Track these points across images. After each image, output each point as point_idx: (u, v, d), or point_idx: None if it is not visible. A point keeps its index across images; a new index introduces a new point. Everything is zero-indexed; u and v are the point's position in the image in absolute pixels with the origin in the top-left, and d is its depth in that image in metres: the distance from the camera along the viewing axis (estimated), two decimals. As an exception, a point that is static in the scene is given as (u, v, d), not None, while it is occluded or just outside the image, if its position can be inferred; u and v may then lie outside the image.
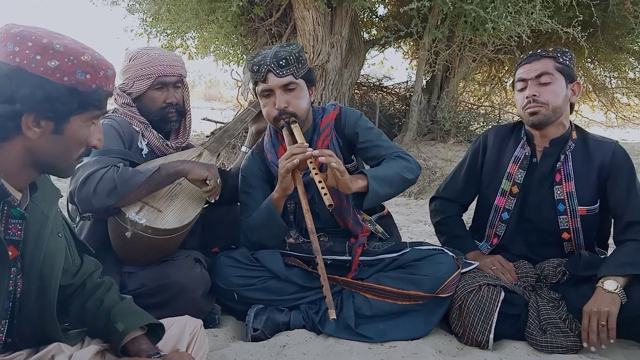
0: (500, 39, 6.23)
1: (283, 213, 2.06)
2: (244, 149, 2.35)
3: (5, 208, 1.13)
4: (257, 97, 2.11)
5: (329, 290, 1.76)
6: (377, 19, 8.44)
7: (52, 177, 1.30)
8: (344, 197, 2.10)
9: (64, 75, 1.05)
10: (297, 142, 1.94)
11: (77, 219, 1.96)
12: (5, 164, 1.09)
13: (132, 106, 2.04)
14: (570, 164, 2.06)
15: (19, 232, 1.17)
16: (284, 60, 1.96)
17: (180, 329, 1.48)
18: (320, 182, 1.82)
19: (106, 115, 1.99)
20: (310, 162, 1.87)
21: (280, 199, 1.99)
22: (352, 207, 2.15)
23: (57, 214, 1.29)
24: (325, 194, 1.80)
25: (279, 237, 2.09)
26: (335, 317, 1.72)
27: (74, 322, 1.45)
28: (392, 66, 9.42)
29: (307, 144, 1.92)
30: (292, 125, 1.99)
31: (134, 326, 1.34)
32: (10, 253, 1.12)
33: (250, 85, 2.12)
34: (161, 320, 1.42)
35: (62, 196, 1.34)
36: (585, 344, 1.80)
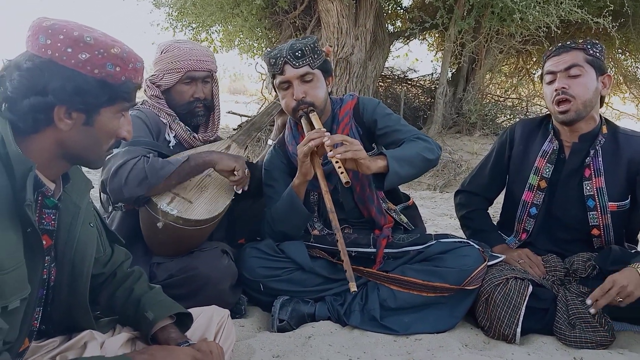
0: (528, 29, 6.12)
1: (306, 204, 2.07)
2: (270, 142, 2.37)
3: (40, 198, 1.16)
4: (275, 91, 2.13)
5: (349, 264, 1.78)
6: (401, 10, 8.36)
7: (84, 169, 1.33)
8: (366, 185, 2.10)
9: (94, 68, 1.07)
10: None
11: (110, 209, 2.00)
12: (38, 155, 1.11)
13: (160, 98, 2.07)
14: (600, 159, 2.01)
15: (52, 222, 1.20)
16: (299, 52, 1.98)
17: (208, 319, 1.50)
18: (337, 162, 1.82)
19: (134, 106, 2.02)
20: (327, 142, 1.86)
21: (300, 185, 2.00)
22: (375, 195, 2.15)
23: (89, 205, 1.32)
24: (342, 172, 1.80)
25: (301, 224, 2.09)
26: (356, 290, 1.74)
27: (104, 310, 1.48)
28: (417, 58, 9.37)
29: (324, 129, 1.92)
30: (310, 115, 2.00)
31: (163, 315, 1.36)
32: (44, 242, 1.15)
33: (270, 79, 2.14)
34: (189, 310, 1.45)
35: (93, 187, 1.37)
36: (589, 301, 1.79)
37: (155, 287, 1.48)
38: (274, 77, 2.06)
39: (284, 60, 1.98)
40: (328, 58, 2.31)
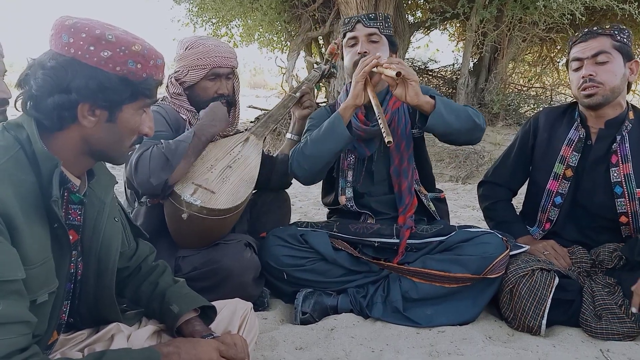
0: (552, 17, 6.00)
1: (340, 170, 2.17)
2: (289, 135, 2.38)
3: (66, 194, 1.19)
4: (342, 51, 2.26)
5: (383, 116, 1.85)
6: (422, 0, 8.27)
7: (108, 165, 1.35)
8: (405, 158, 2.14)
9: (116, 65, 1.08)
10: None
11: (135, 204, 2.04)
12: (63, 152, 1.13)
13: (182, 95, 2.09)
14: (627, 145, 1.97)
15: (78, 217, 1.23)
16: (373, 15, 2.16)
17: (231, 312, 1.52)
18: (387, 67, 1.87)
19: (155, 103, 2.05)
20: (382, 62, 1.93)
21: (348, 108, 2.01)
22: (411, 171, 2.16)
23: (113, 200, 1.35)
24: (393, 70, 1.84)
25: (337, 149, 2.04)
26: (391, 140, 1.78)
27: (130, 303, 1.51)
28: (438, 49, 9.28)
29: (379, 55, 2.00)
30: None
31: (187, 308, 1.38)
32: (71, 237, 1.17)
33: (298, 72, 2.20)
34: (213, 303, 1.47)
35: (117, 182, 1.39)
36: (634, 309, 1.74)
37: (179, 281, 1.50)
38: (344, 36, 2.21)
39: (357, 19, 2.16)
40: (339, 51, 2.35)
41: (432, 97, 1.95)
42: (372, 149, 2.17)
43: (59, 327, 1.24)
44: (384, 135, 1.80)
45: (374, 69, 1.96)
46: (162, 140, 1.86)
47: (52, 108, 1.07)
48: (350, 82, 2.16)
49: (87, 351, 1.27)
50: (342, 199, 2.20)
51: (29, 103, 1.10)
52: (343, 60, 2.26)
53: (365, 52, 2.09)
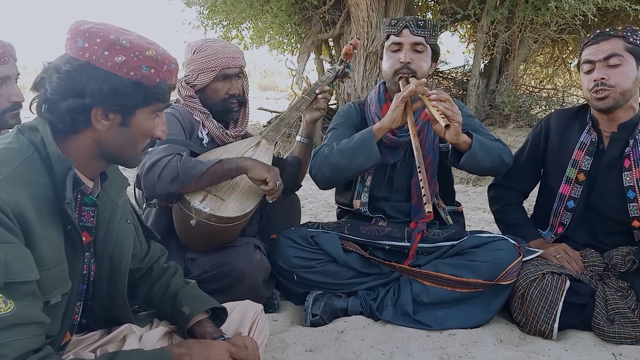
0: (564, 18, 5.95)
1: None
2: (298, 138, 2.38)
3: (79, 196, 1.20)
4: (381, 51, 2.21)
5: (427, 184, 1.82)
6: (432, 2, 8.25)
7: (120, 167, 1.36)
8: (430, 171, 2.13)
9: (130, 70, 1.09)
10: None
11: (144, 206, 2.05)
12: (77, 154, 1.15)
13: (194, 98, 2.10)
14: None
15: (91, 219, 1.24)
16: (422, 22, 2.09)
17: (242, 314, 1.52)
18: (438, 110, 1.85)
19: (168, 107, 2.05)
20: (429, 95, 1.91)
21: (382, 130, 2.02)
22: (434, 184, 2.17)
23: (126, 202, 1.36)
24: (442, 117, 1.83)
25: (364, 165, 2.05)
26: (431, 210, 1.77)
27: (142, 304, 1.52)
28: (448, 50, 9.22)
29: (425, 81, 2.00)
30: (410, 78, 2.05)
31: (198, 310, 1.39)
32: (84, 239, 1.18)
33: (308, 74, 2.19)
34: (223, 305, 1.47)
35: (129, 184, 1.40)
36: None
37: (190, 282, 1.51)
38: (387, 37, 2.15)
39: (404, 24, 2.08)
40: (354, 52, 2.34)
41: (469, 134, 1.96)
42: (396, 157, 2.15)
43: (71, 328, 1.25)
44: (424, 202, 1.80)
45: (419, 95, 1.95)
46: (184, 153, 1.86)
47: (66, 111, 1.08)
48: (384, 82, 2.18)
49: (99, 352, 1.28)
50: (357, 203, 2.20)
51: (43, 106, 1.11)
52: (382, 62, 2.21)
53: (409, 63, 2.06)
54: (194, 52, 2.09)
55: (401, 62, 2.07)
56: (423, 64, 2.10)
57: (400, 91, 2.02)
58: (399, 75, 2.07)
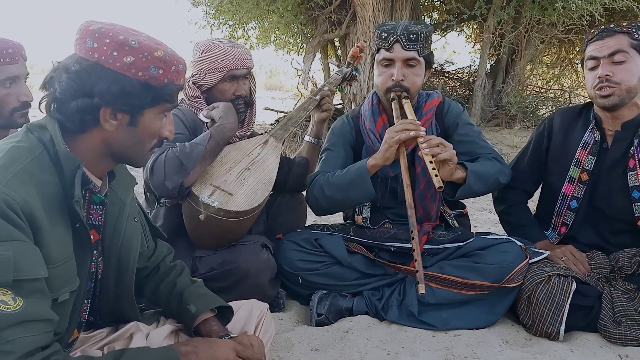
0: (570, 18, 5.92)
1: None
2: (307, 138, 2.38)
3: (87, 194, 1.21)
4: (372, 64, 2.14)
5: (421, 264, 1.74)
6: (438, 2, 8.23)
7: (127, 166, 1.37)
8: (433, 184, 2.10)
9: (138, 71, 1.10)
10: (406, 118, 1.96)
11: (155, 206, 2.06)
12: (85, 153, 1.16)
13: (199, 98, 2.11)
14: None
15: (99, 217, 1.25)
16: (414, 35, 1.98)
17: (248, 313, 1.53)
18: (431, 162, 1.81)
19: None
20: (421, 140, 1.85)
21: (376, 167, 1.99)
22: (439, 195, 2.14)
23: (133, 200, 1.37)
24: (436, 175, 1.78)
25: (359, 201, 2.06)
26: (424, 292, 1.70)
27: (149, 302, 1.53)
28: (455, 50, 9.18)
29: (419, 123, 1.92)
30: (403, 100, 2.01)
31: (205, 308, 1.40)
32: (92, 237, 1.19)
33: (314, 74, 2.17)
34: (229, 304, 1.48)
35: (137, 183, 1.41)
36: None
37: (197, 281, 1.52)
38: (378, 50, 2.08)
39: (396, 39, 1.99)
40: (361, 54, 2.31)
41: (463, 165, 1.95)
42: (396, 170, 2.07)
43: (79, 326, 1.27)
44: (434, 182, 1.76)
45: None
46: (177, 144, 1.88)
47: (75, 111, 1.09)
48: (375, 92, 2.15)
49: (106, 349, 1.29)
50: (359, 219, 2.18)
51: (52, 105, 1.12)
52: (373, 70, 2.16)
53: (402, 80, 2.00)
54: (202, 52, 2.09)
55: (393, 80, 2.01)
56: (416, 79, 2.03)
57: (391, 107, 2.02)
58: (391, 95, 2.03)
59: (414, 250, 1.77)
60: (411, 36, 1.98)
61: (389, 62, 2.03)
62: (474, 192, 1.99)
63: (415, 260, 1.75)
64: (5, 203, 0.98)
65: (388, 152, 1.93)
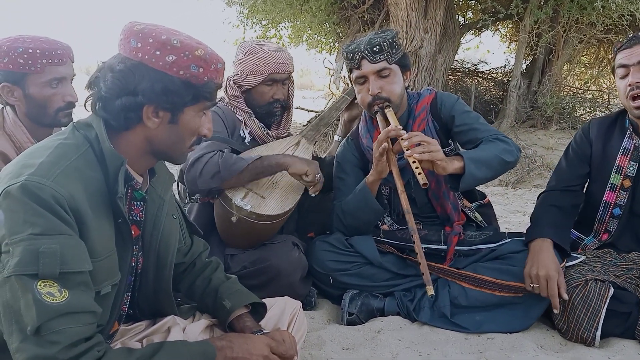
0: (610, 18, 5.77)
1: (378, 198, 2.07)
2: (336, 137, 2.39)
3: (129, 191, 1.24)
4: (352, 85, 2.14)
5: (426, 267, 1.74)
6: (473, 1, 8.12)
7: (167, 164, 1.40)
8: (442, 181, 2.08)
9: (180, 69, 1.13)
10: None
11: (187, 200, 2.10)
12: (128, 151, 1.19)
13: (239, 97, 2.14)
14: None
15: (140, 213, 1.28)
16: (377, 47, 1.97)
17: (281, 310, 1.55)
18: (414, 162, 1.80)
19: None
20: (405, 144, 1.83)
21: (374, 182, 2.01)
22: (452, 192, 2.11)
23: (172, 197, 1.40)
24: (419, 174, 1.77)
25: (373, 220, 2.10)
26: (433, 294, 1.70)
27: (184, 297, 1.56)
28: (489, 50, 9.04)
29: (401, 127, 1.91)
30: (385, 110, 2.00)
31: (239, 304, 1.42)
32: (133, 232, 1.23)
33: (346, 73, 2.16)
34: (263, 300, 1.50)
35: (175, 180, 1.44)
36: None
37: (231, 277, 1.55)
38: (350, 71, 2.07)
39: (361, 55, 1.99)
40: (406, 52, 2.30)
41: (460, 155, 1.92)
42: (405, 177, 2.04)
43: (119, 318, 1.30)
44: (419, 180, 1.76)
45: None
46: (225, 150, 1.90)
47: (119, 109, 1.13)
48: (368, 114, 2.13)
49: (145, 342, 1.32)
50: (385, 227, 2.18)
51: (98, 104, 1.16)
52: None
53: (379, 92, 1.98)
54: (245, 53, 2.12)
55: (371, 95, 2.00)
56: (394, 87, 2.01)
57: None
58: (374, 109, 2.01)
59: (417, 253, 1.77)
60: (374, 48, 1.97)
61: (363, 79, 2.02)
62: (480, 179, 1.94)
63: (420, 263, 1.75)
64: (53, 198, 1.01)
65: (379, 165, 1.94)
